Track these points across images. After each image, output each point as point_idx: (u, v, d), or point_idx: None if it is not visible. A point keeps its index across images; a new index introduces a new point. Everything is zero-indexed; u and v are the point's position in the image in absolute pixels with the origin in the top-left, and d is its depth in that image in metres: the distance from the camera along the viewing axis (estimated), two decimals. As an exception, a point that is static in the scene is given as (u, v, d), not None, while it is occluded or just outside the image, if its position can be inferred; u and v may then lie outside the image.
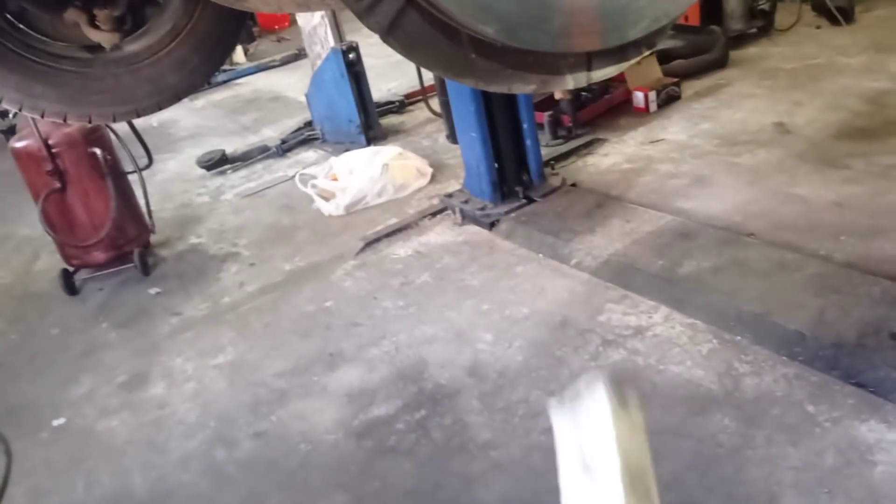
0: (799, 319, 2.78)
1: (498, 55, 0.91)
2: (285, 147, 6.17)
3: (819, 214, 3.56)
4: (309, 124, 6.41)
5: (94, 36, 2.12)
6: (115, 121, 2.43)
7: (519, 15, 0.80)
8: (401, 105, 6.67)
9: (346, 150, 5.50)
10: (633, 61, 1.01)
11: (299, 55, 9.26)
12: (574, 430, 0.42)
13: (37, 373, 3.71)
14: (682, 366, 2.79)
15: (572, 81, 0.98)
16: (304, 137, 6.28)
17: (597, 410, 0.44)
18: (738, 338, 2.86)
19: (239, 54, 9.91)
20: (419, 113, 6.37)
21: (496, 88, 0.96)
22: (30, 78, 2.13)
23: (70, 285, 4.38)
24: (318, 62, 6.07)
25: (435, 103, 5.68)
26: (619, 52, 0.95)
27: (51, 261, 4.73)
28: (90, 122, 2.32)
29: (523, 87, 0.96)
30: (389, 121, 6.43)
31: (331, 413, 2.95)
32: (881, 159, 3.93)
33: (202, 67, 2.40)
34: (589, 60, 0.97)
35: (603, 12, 0.83)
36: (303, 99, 6.45)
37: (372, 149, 5.42)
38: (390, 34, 0.87)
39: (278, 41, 11.06)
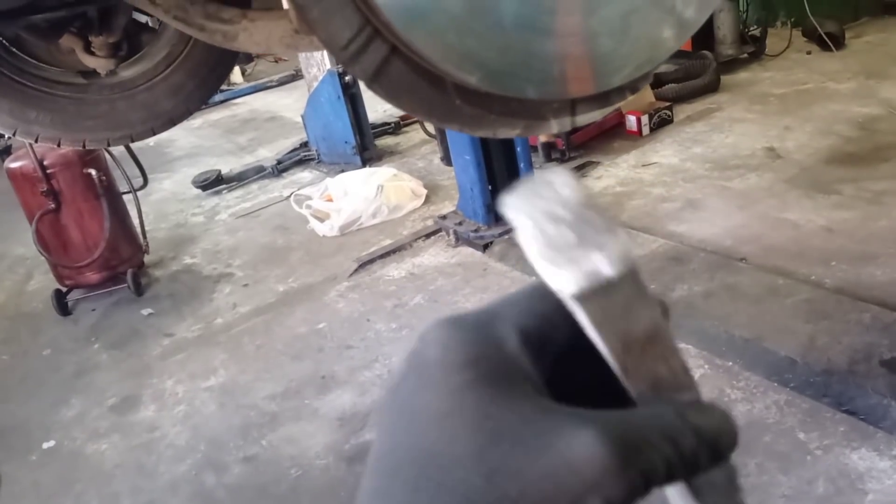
0: (790, 345, 2.79)
1: (483, 102, 0.92)
2: (281, 167, 6.19)
3: (809, 239, 3.58)
4: (305, 145, 6.43)
5: (90, 62, 2.13)
6: (109, 145, 2.44)
7: (502, 64, 0.81)
8: (396, 126, 6.70)
9: (342, 171, 5.53)
10: (616, 106, 1.03)
11: (296, 76, 9.31)
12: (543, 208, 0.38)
13: (27, 394, 3.69)
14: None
15: (556, 126, 0.99)
16: (299, 158, 6.30)
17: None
18: (730, 363, 2.87)
19: (236, 74, 9.96)
20: (414, 134, 6.40)
21: (481, 133, 0.97)
22: (24, 103, 2.14)
23: (63, 306, 4.37)
24: (315, 84, 6.10)
25: (430, 125, 5.71)
26: (603, 98, 0.96)
27: (44, 281, 4.72)
28: (84, 146, 2.33)
29: (508, 132, 0.98)
30: (385, 142, 6.47)
31: (322, 437, 2.94)
32: (871, 185, 3.96)
33: (197, 92, 2.41)
34: (573, 106, 0.98)
35: (586, 60, 0.85)
36: (299, 119, 6.49)
37: (367, 170, 5.45)
38: (375, 81, 0.88)
39: (276, 62, 11.12)
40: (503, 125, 0.97)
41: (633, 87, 0.99)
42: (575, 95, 0.94)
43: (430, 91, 0.90)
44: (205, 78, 2.39)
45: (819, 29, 6.33)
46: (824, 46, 6.37)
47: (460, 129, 0.98)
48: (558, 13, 0.82)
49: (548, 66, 0.83)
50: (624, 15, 0.84)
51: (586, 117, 1.00)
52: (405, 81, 0.88)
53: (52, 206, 4.20)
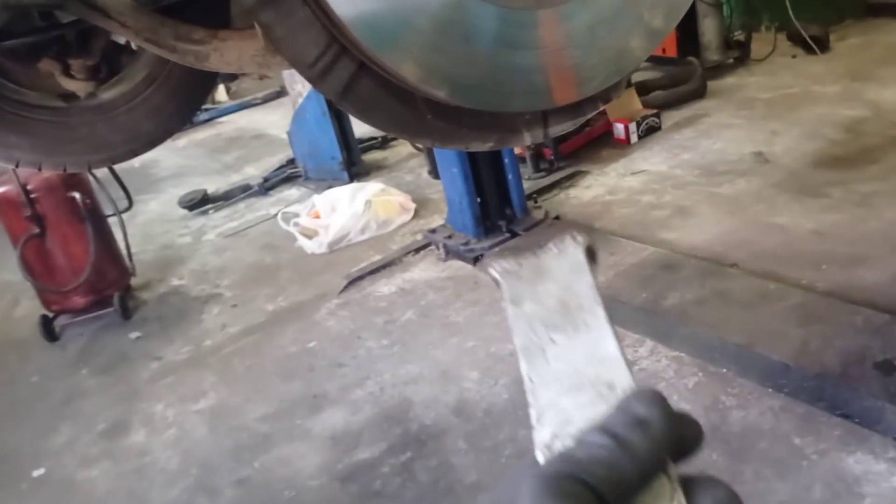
0: (783, 350, 2.78)
1: (454, 116, 0.91)
2: (268, 185, 6.17)
3: (799, 243, 3.58)
4: (291, 162, 6.41)
5: (69, 85, 2.11)
6: (90, 169, 2.42)
7: (471, 78, 0.80)
8: (383, 141, 6.69)
9: (329, 187, 5.50)
10: (588, 116, 1.02)
11: (281, 93, 9.30)
12: (536, 284, 0.44)
13: (16, 422, 3.65)
14: (670, 400, 2.75)
15: (529, 138, 0.98)
16: (286, 175, 6.28)
17: (570, 262, 0.46)
18: (724, 370, 2.85)
19: (221, 93, 9.94)
20: (402, 148, 6.39)
21: (454, 147, 0.96)
22: (3, 128, 2.12)
23: (50, 331, 4.33)
24: (300, 100, 6.09)
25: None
26: (575, 109, 0.95)
27: (31, 307, 4.67)
28: (65, 170, 2.30)
29: (481, 146, 0.97)
30: (372, 156, 6.45)
31: (315, 457, 2.91)
32: (859, 187, 3.96)
33: (178, 113, 2.40)
34: (545, 118, 0.97)
35: (555, 72, 0.83)
36: (285, 136, 6.47)
37: (355, 185, 5.42)
38: (344, 98, 0.87)
39: (260, 79, 11.08)
40: (475, 139, 0.95)
41: (604, 96, 0.97)
42: (546, 107, 0.93)
43: (400, 107, 0.89)
44: (185, 98, 2.37)
45: (803, 32, 6.36)
46: (809, 50, 6.40)
47: (432, 143, 0.96)
48: (527, 27, 0.80)
49: (518, 79, 0.81)
50: (591, 26, 0.83)
51: (559, 128, 0.99)
52: (375, 98, 0.87)
53: (37, 230, 4.16)
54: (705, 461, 2.45)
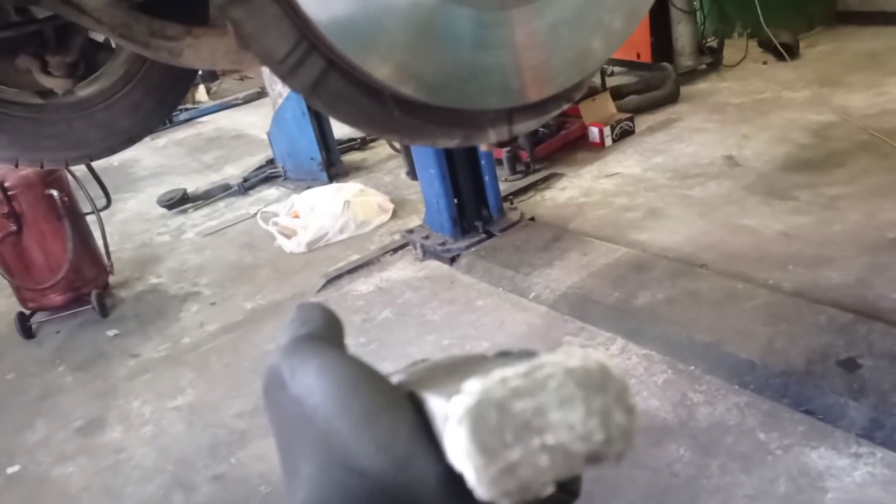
0: (749, 348, 2.85)
1: (421, 112, 0.95)
2: (247, 185, 6.17)
3: (768, 245, 3.66)
4: (271, 162, 6.41)
5: (47, 82, 2.12)
6: (67, 165, 2.43)
7: (436, 76, 0.84)
8: (362, 142, 6.71)
9: (308, 188, 5.53)
10: (553, 114, 1.06)
11: (262, 93, 9.28)
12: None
13: (-10, 419, 3.64)
14: (639, 396, 2.83)
15: (495, 136, 1.02)
16: (266, 175, 6.29)
17: None
18: (692, 367, 2.92)
19: (201, 93, 9.90)
20: (380, 149, 6.42)
21: (421, 143, 1.00)
22: (-20, 124, 2.13)
23: (26, 328, 4.31)
24: (280, 101, 6.10)
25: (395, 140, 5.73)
26: (540, 107, 1.00)
27: (7, 304, 4.65)
28: (42, 167, 2.31)
29: (448, 142, 1.01)
30: (351, 157, 6.47)
31: (290, 453, 2.93)
32: (826, 190, 4.05)
33: (156, 111, 2.41)
34: (510, 116, 1.02)
35: (519, 71, 0.88)
36: (265, 136, 6.47)
37: (334, 186, 5.45)
38: (314, 94, 0.90)
39: (241, 79, 11.07)
40: (442, 135, 0.99)
41: (567, 96, 1.02)
42: (511, 105, 0.97)
43: (368, 103, 0.93)
44: (163, 96, 2.39)
45: (774, 39, 6.47)
46: (779, 56, 6.51)
47: (400, 139, 1.00)
48: (492, 27, 0.85)
49: (482, 77, 0.86)
50: (553, 27, 0.88)
51: (523, 126, 1.03)
52: (344, 94, 0.91)
53: (14, 228, 4.15)
54: (673, 455, 2.51)
